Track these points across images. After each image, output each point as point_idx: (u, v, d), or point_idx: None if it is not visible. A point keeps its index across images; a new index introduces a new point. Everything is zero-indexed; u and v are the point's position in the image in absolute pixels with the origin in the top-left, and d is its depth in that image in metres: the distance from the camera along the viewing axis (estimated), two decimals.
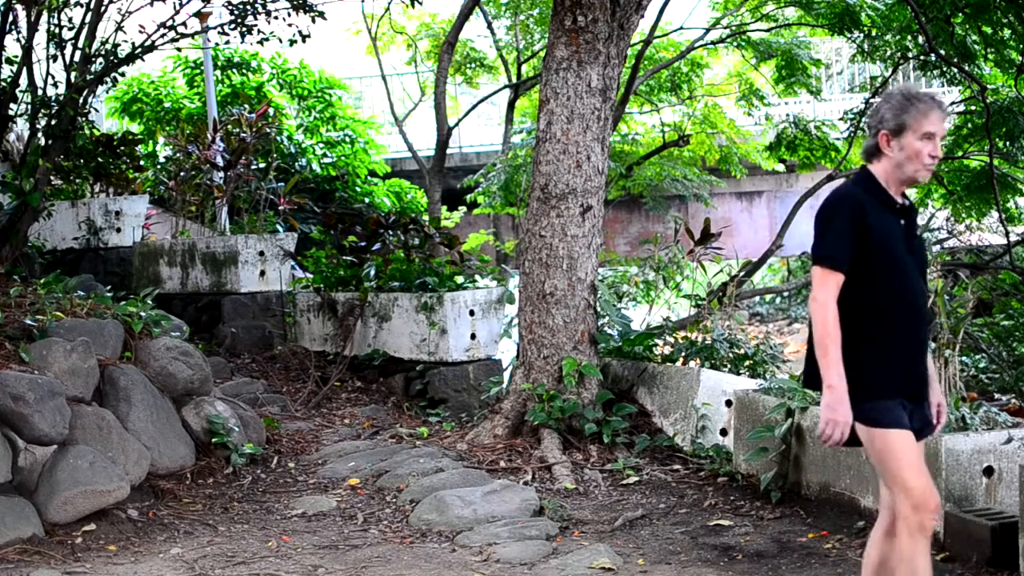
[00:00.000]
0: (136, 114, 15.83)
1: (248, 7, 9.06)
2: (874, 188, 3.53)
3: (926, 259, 3.72)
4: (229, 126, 11.18)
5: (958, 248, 12.96)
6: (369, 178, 16.42)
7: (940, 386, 3.77)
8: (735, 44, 13.95)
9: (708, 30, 14.03)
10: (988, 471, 4.68)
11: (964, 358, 7.29)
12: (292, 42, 9.32)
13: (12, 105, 8.59)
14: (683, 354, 7.32)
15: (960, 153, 11.20)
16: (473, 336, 8.52)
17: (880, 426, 3.40)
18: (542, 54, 9.08)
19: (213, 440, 6.52)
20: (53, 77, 8.55)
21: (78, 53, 8.47)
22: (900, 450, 3.38)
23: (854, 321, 3.44)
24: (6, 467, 5.25)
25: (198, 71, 15.40)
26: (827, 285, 3.43)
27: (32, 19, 8.35)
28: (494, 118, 21.21)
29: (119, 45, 8.59)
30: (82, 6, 8.60)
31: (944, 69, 10.80)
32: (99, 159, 11.54)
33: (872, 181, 3.54)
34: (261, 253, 10.09)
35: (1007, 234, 10.56)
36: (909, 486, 3.35)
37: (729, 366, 7.22)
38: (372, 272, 9.28)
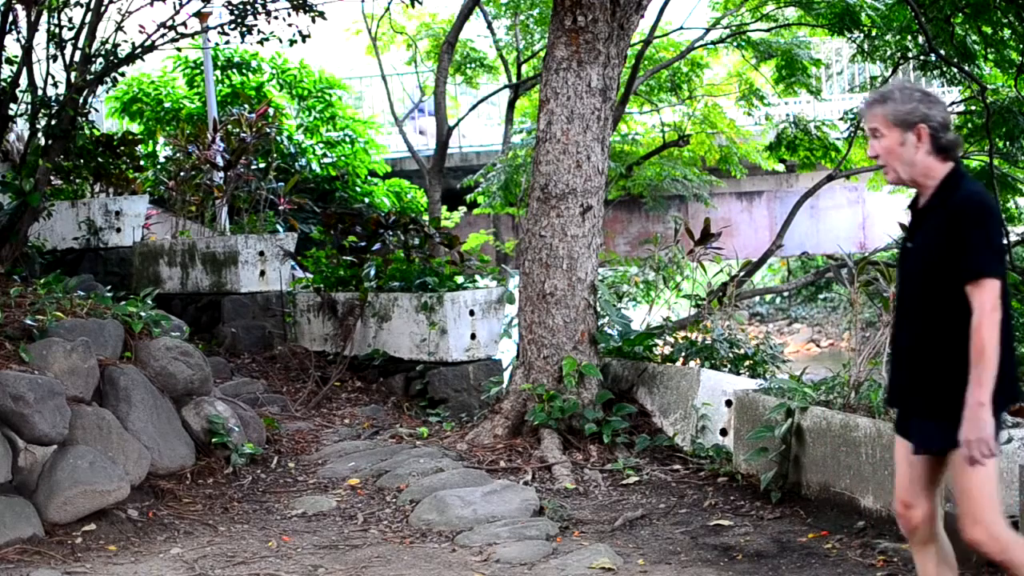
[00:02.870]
0: (136, 114, 15.83)
1: (248, 7, 9.06)
2: None
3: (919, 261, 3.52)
4: (229, 126, 11.18)
5: None
6: (369, 178, 16.42)
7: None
8: (735, 44, 13.95)
9: (708, 30, 14.03)
10: None
11: None
12: (292, 42, 9.33)
13: (12, 105, 8.59)
14: (683, 354, 7.32)
15: (960, 153, 11.20)
16: (473, 336, 8.53)
17: None
18: (542, 54, 9.08)
19: (213, 440, 6.52)
20: (53, 77, 8.55)
21: (78, 53, 8.47)
22: None
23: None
24: (6, 467, 5.25)
25: (198, 71, 15.40)
26: None
27: (32, 19, 8.34)
28: (494, 118, 21.21)
29: (119, 45, 8.59)
30: (82, 6, 8.60)
31: (944, 69, 10.81)
32: (99, 159, 11.53)
33: None
34: (261, 253, 10.08)
35: (1007, 234, 10.57)
36: None
37: (729, 366, 7.21)
38: (372, 272, 9.28)
